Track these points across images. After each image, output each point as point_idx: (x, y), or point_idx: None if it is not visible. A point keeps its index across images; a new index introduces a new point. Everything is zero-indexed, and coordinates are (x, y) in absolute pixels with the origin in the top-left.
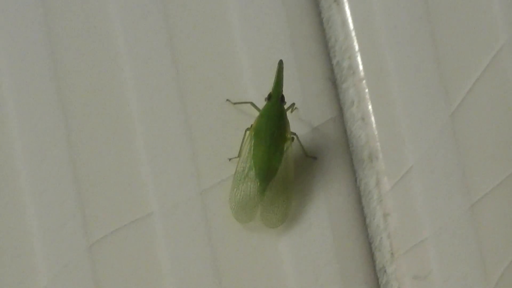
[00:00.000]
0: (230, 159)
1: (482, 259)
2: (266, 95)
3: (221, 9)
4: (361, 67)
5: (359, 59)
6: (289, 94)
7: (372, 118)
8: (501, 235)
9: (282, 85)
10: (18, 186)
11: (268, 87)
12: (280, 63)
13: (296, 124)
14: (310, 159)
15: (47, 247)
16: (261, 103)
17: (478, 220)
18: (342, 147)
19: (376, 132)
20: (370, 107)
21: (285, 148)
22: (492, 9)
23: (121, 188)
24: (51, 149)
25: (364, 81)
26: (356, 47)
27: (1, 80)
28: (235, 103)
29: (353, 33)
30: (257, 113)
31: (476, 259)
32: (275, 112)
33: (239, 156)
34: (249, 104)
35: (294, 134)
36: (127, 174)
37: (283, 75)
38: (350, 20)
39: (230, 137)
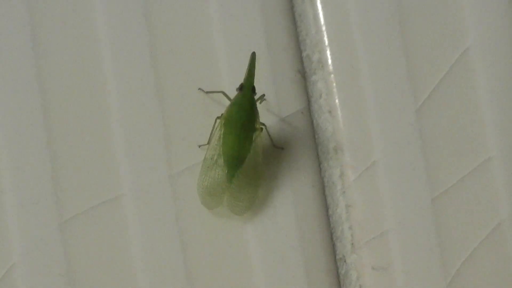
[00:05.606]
0: (200, 146)
1: (441, 251)
2: (238, 86)
3: (199, 2)
4: (330, 61)
5: (328, 53)
6: (259, 85)
7: (339, 112)
8: (460, 229)
9: (254, 77)
10: None
11: (239, 78)
12: (253, 55)
13: (265, 114)
14: (277, 149)
15: (20, 223)
16: (232, 93)
17: (438, 213)
18: (308, 139)
19: (342, 125)
20: (337, 100)
21: (254, 138)
22: (460, 10)
23: (94, 170)
24: (27, 129)
25: (332, 75)
26: (326, 41)
27: None
28: (207, 92)
29: (323, 28)
30: (228, 102)
31: (436, 251)
32: (246, 102)
33: (208, 143)
34: (220, 93)
35: (263, 124)
36: (100, 156)
37: (255, 67)
38: (321, 15)
39: (201, 125)
